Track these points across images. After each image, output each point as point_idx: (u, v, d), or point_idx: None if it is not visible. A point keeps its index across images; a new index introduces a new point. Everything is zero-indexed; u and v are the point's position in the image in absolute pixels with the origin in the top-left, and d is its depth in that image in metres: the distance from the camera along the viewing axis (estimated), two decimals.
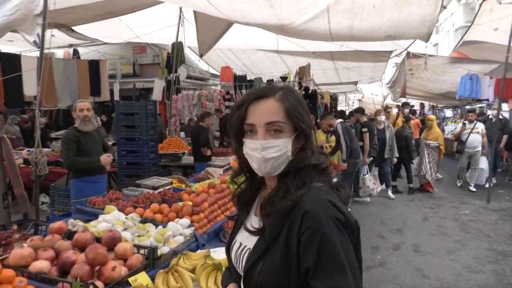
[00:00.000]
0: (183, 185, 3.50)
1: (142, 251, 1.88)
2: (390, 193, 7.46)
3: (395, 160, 7.55)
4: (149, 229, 2.21)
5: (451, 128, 13.09)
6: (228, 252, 1.15)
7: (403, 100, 13.17)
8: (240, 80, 10.52)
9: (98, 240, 1.88)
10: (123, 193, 3.06)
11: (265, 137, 0.96)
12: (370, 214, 6.28)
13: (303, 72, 10.12)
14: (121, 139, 5.68)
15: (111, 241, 1.84)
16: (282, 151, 0.96)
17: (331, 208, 0.89)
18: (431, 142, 7.70)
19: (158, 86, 9.03)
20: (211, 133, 7.49)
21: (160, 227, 2.21)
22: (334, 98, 13.76)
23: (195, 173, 4.49)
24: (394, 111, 11.26)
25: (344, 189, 1.03)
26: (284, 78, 10.54)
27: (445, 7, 5.68)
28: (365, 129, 6.82)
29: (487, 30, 7.54)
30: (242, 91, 9.03)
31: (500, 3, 6.18)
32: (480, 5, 6.86)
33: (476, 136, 7.84)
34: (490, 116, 8.20)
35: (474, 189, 7.81)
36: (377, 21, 5.78)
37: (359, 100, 20.07)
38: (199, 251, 2.13)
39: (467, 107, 13.78)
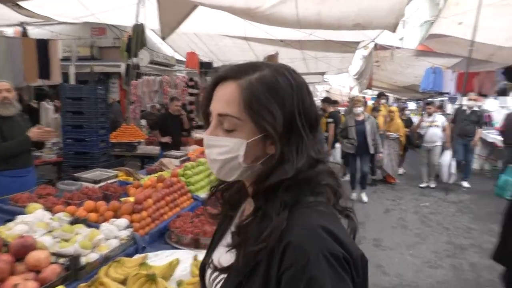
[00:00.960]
0: (131, 178, 3.18)
1: (62, 260, 1.58)
2: (364, 196, 6.53)
3: (380, 155, 6.78)
4: (80, 231, 1.90)
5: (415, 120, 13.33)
6: (201, 273, 0.90)
7: (369, 92, 13.31)
8: (206, 67, 10.14)
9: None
10: (57, 187, 2.69)
11: (215, 131, 0.75)
12: None
13: (271, 60, 9.87)
14: (67, 126, 5.19)
15: (22, 250, 1.52)
16: (229, 154, 0.73)
17: (324, 239, 0.64)
18: (392, 133, 7.66)
19: (123, 70, 8.51)
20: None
21: (93, 229, 1.91)
22: None
23: (149, 164, 4.13)
24: (369, 102, 11.21)
25: (353, 213, 0.78)
26: None
27: None
28: (330, 120, 6.69)
29: (451, 24, 7.60)
30: (207, 77, 8.64)
31: None
32: None
33: (435, 130, 7.35)
34: (464, 107, 7.48)
35: (433, 185, 7.54)
36: (346, 8, 5.63)
37: (327, 91, 20.19)
38: (136, 256, 1.85)
39: (428, 99, 14.11)
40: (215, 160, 0.75)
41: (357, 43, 9.92)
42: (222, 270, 0.76)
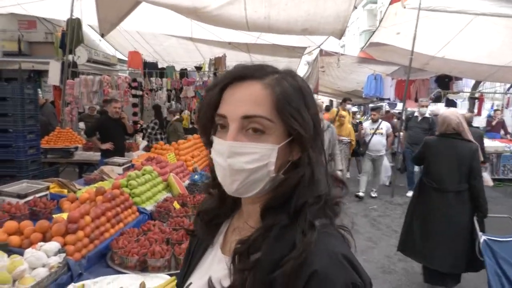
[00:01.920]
0: (65, 190, 2.81)
1: None
2: None
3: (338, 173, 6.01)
4: None
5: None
6: None
7: (316, 96, 13.63)
8: (150, 67, 9.66)
9: None
10: None
11: (237, 137, 0.65)
12: None
13: (218, 63, 9.68)
14: None
15: None
16: (260, 162, 0.65)
17: (346, 268, 0.60)
18: (344, 138, 7.64)
19: (54, 69, 7.73)
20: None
21: (14, 257, 1.59)
22: None
23: (88, 173, 3.71)
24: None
25: (349, 233, 0.71)
26: (198, 68, 9.99)
27: (356, 7, 5.80)
28: None
29: (390, 33, 8.03)
30: (152, 78, 8.20)
31: (404, 7, 6.54)
32: (387, 8, 7.20)
33: (379, 138, 7.00)
34: (416, 114, 7.29)
35: (375, 195, 7.25)
36: (294, 13, 5.65)
37: None
38: (71, 287, 1.58)
39: (371, 105, 14.82)
40: (241, 171, 0.65)
41: (304, 48, 10.14)
42: None
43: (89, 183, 3.24)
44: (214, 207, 0.79)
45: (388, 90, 9.94)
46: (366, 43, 8.70)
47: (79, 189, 2.89)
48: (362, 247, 4.73)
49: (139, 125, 8.04)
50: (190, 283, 0.75)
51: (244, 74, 0.67)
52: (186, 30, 9.05)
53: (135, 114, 7.68)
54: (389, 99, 10.19)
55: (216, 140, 0.69)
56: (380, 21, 7.98)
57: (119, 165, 3.76)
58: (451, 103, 9.35)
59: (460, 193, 3.26)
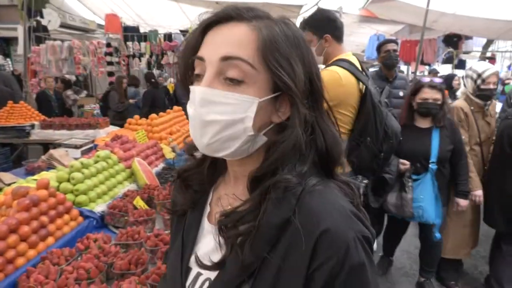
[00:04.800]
0: None
1: None
2: None
3: None
4: None
5: None
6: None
7: None
8: (130, 32, 8.71)
9: None
10: None
11: (213, 83, 0.56)
12: None
13: None
14: None
15: None
16: (235, 114, 0.56)
17: (356, 222, 0.56)
18: None
19: (22, 35, 6.83)
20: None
21: None
22: None
23: (30, 160, 2.95)
24: None
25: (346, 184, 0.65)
26: (184, 32, 9.07)
27: None
28: None
29: None
30: (129, 43, 7.29)
31: None
32: None
33: None
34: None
35: None
36: None
37: None
38: None
39: (371, 69, 14.05)
40: (212, 122, 0.56)
41: (300, 7, 9.20)
42: (211, 267, 0.60)
43: (32, 173, 2.55)
44: (196, 165, 0.71)
45: None
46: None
47: (10, 184, 2.21)
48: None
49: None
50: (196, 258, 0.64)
51: (229, 14, 0.58)
52: None
53: (111, 83, 6.85)
54: None
55: (191, 89, 0.60)
56: None
57: (76, 147, 3.05)
58: (462, 64, 8.56)
59: None
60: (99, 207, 2.02)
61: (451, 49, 8.31)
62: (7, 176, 2.31)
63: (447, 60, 8.36)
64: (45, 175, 2.34)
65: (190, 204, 0.71)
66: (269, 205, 0.56)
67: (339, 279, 0.52)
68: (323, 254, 0.53)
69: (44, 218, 1.63)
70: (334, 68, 2.05)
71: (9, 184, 2.19)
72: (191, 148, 0.70)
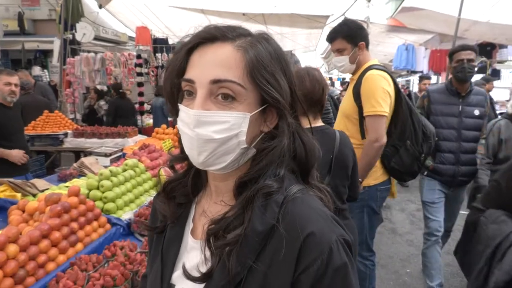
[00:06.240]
0: (19, 194, 2.20)
1: None
2: None
3: None
4: None
5: None
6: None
7: (335, 72, 12.71)
8: (160, 43, 8.98)
9: None
10: None
11: (205, 104, 0.59)
12: None
13: None
14: None
15: None
16: (230, 132, 0.59)
17: (337, 226, 0.61)
18: None
19: (58, 47, 7.20)
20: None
21: None
22: None
23: (63, 167, 3.07)
24: (336, 83, 10.40)
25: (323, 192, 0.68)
26: None
27: None
28: None
29: None
30: (158, 54, 7.52)
31: None
32: None
33: None
34: None
35: (407, 184, 6.36)
36: None
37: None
38: None
39: (399, 79, 13.75)
40: (209, 141, 0.60)
41: (326, 17, 9.18)
42: (201, 278, 0.61)
43: (64, 180, 2.65)
44: (181, 176, 0.73)
45: (421, 62, 8.87)
46: (398, 7, 7.67)
47: (44, 190, 2.30)
48: (403, 254, 3.73)
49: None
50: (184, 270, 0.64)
51: (213, 35, 0.61)
52: (198, 1, 8.30)
53: (140, 94, 7.06)
54: (422, 71, 9.10)
55: (182, 109, 0.62)
56: None
57: (106, 155, 3.15)
58: (495, 74, 8.22)
59: None
60: (126, 215, 2.07)
61: (484, 58, 8.01)
62: (41, 183, 2.40)
63: (480, 70, 8.05)
64: (76, 182, 2.42)
65: (171, 218, 0.71)
66: (253, 213, 0.59)
67: (324, 280, 0.55)
68: (309, 256, 0.56)
69: (74, 225, 1.68)
70: (380, 72, 2.15)
71: (42, 191, 2.28)
72: (174, 160, 0.72)
